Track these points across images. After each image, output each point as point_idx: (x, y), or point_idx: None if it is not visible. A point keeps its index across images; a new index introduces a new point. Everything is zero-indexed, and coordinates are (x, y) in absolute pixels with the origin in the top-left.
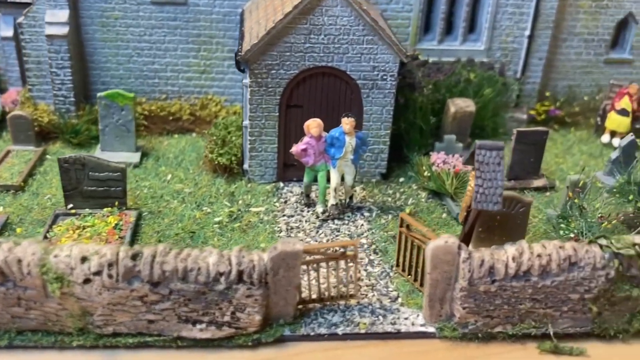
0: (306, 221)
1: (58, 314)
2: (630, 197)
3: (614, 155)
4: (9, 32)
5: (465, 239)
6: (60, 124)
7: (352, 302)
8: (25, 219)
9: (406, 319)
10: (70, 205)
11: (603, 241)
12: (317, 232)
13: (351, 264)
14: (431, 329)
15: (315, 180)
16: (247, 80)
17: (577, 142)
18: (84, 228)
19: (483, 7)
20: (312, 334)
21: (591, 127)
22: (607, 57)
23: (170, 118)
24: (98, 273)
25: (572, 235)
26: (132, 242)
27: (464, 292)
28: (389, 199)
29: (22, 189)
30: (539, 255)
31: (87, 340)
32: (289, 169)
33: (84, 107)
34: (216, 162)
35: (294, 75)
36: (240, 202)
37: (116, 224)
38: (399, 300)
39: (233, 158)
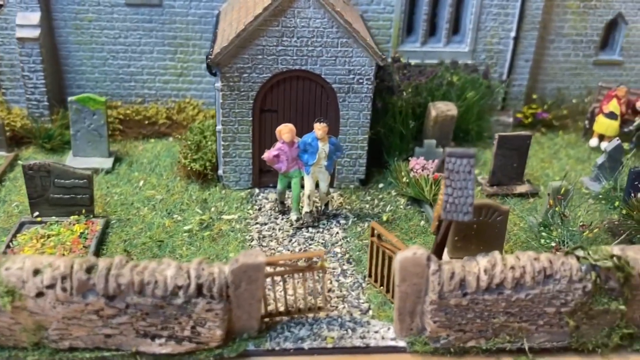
0: (279, 229)
1: (11, 329)
2: (616, 204)
3: (599, 160)
4: None
5: (438, 250)
6: (34, 128)
7: (321, 314)
8: None
9: (376, 332)
10: (36, 213)
11: (580, 252)
12: (290, 240)
13: (318, 276)
14: (402, 343)
15: (289, 186)
16: (218, 84)
17: (564, 146)
18: (48, 237)
19: (467, 8)
20: (277, 348)
21: (580, 131)
22: (596, 59)
23: (146, 122)
24: (51, 286)
25: (553, 244)
26: (97, 252)
27: (434, 306)
28: (367, 206)
29: None
30: (512, 268)
31: (43, 355)
32: (264, 174)
33: (58, 112)
34: (189, 168)
35: (267, 78)
36: (212, 209)
37: (81, 233)
38: (370, 312)
39: (207, 164)
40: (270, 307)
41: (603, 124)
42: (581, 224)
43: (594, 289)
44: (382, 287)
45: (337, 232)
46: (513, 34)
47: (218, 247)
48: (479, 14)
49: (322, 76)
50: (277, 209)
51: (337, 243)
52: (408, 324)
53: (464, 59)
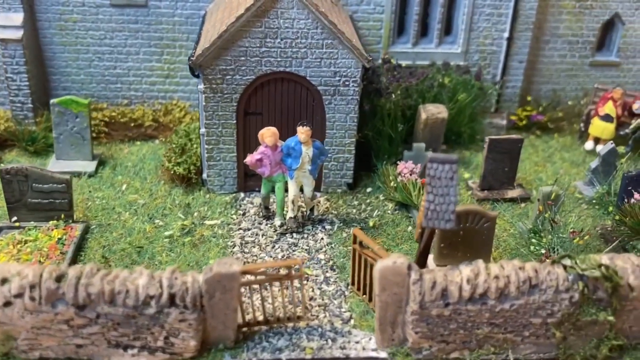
0: (263, 235)
1: None
2: (610, 209)
3: (593, 164)
4: None
5: (421, 258)
6: (17, 131)
7: (301, 324)
8: None
9: (357, 342)
10: (15, 218)
11: (567, 261)
12: (273, 247)
13: (300, 284)
14: (383, 354)
15: (273, 191)
16: (201, 86)
17: (559, 149)
18: (25, 243)
19: (459, 8)
20: (254, 359)
21: (575, 133)
22: (592, 60)
23: (132, 124)
24: (19, 295)
25: (543, 251)
26: (75, 258)
27: (415, 316)
28: (354, 211)
29: None
30: (496, 277)
31: None
32: (250, 178)
33: (42, 114)
34: (173, 172)
35: (250, 81)
36: (195, 214)
37: (59, 239)
38: (352, 322)
39: (192, 167)
40: (249, 316)
41: (598, 127)
42: (571, 230)
43: (581, 299)
44: (364, 296)
45: (322, 238)
46: (506, 34)
47: (198, 253)
48: (471, 14)
49: (307, 78)
50: (261, 214)
51: (321, 249)
52: (389, 334)
53: (457, 60)
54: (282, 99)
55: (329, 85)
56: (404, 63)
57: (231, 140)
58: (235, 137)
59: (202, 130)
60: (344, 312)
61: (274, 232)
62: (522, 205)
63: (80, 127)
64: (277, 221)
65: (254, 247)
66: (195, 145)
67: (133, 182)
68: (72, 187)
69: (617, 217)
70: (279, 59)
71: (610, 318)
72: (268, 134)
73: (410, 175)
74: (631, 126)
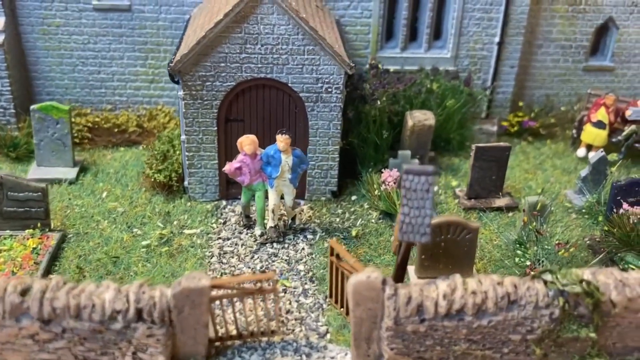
0: (242, 245)
1: None
2: (599, 219)
3: (583, 172)
4: None
5: (399, 271)
6: None
7: (276, 338)
8: None
9: (332, 358)
10: None
11: (548, 276)
12: (253, 257)
13: (276, 297)
14: None
15: (254, 199)
16: (181, 93)
17: (551, 156)
18: None
19: (448, 12)
20: None
21: (568, 140)
22: (586, 65)
23: (116, 130)
24: None
25: (528, 263)
26: (49, 269)
27: (390, 332)
28: (337, 219)
29: None
30: (473, 293)
31: None
32: (232, 186)
33: (24, 119)
34: (153, 180)
35: (231, 87)
36: (175, 223)
37: (34, 248)
38: (328, 336)
39: (173, 174)
40: (222, 330)
41: (591, 134)
42: (557, 242)
43: (562, 315)
44: (342, 309)
45: (303, 248)
46: (497, 39)
47: (175, 264)
48: (461, 19)
49: (289, 85)
50: (242, 222)
51: (301, 260)
52: (365, 350)
53: (446, 65)
54: (264, 106)
55: (311, 92)
56: (392, 68)
57: (212, 147)
58: (217, 144)
59: (183, 137)
60: (321, 326)
61: (254, 241)
62: (510, 214)
63: (61, 134)
64: (258, 230)
65: (232, 257)
66: (177, 152)
67: (114, 189)
68: (48, 195)
69: (605, 228)
70: (260, 65)
71: (592, 335)
72: (247, 142)
73: (394, 183)
74: (624, 133)
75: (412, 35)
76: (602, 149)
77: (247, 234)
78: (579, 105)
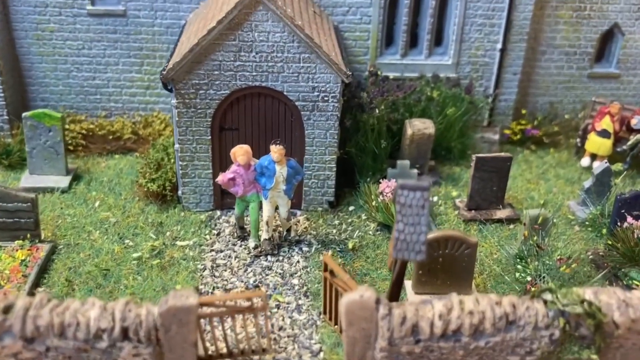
0: (236, 257)
1: None
2: (603, 232)
3: (587, 184)
4: None
5: (394, 288)
6: None
7: (267, 357)
8: None
9: None
10: None
11: (548, 296)
12: (246, 270)
13: (269, 314)
14: None
15: (248, 210)
16: (174, 101)
17: (554, 165)
18: None
19: (449, 19)
20: None
21: (572, 149)
22: (591, 72)
23: (111, 137)
24: None
25: (528, 278)
26: (38, 281)
27: (384, 353)
28: (334, 231)
29: None
30: (470, 313)
31: None
32: (227, 196)
33: (18, 126)
34: (146, 189)
35: (225, 95)
36: (168, 234)
37: (22, 260)
38: (321, 354)
39: (167, 184)
40: (212, 348)
41: (595, 143)
42: (559, 257)
43: (562, 336)
44: (336, 327)
45: (298, 261)
46: (499, 45)
47: (166, 277)
48: (462, 25)
49: (285, 93)
50: (236, 234)
51: (296, 273)
52: None
53: (447, 72)
54: (259, 115)
55: (308, 101)
56: (392, 75)
57: (206, 157)
58: (211, 153)
59: (176, 146)
60: (314, 343)
61: (248, 254)
62: (511, 226)
63: (53, 141)
64: (252, 243)
65: (225, 270)
66: (172, 160)
67: (107, 198)
68: (37, 206)
69: (609, 242)
70: (255, 74)
71: (594, 357)
72: (240, 152)
73: (392, 194)
74: (629, 142)
75: (413, 42)
76: (606, 159)
77: (241, 245)
78: (583, 113)
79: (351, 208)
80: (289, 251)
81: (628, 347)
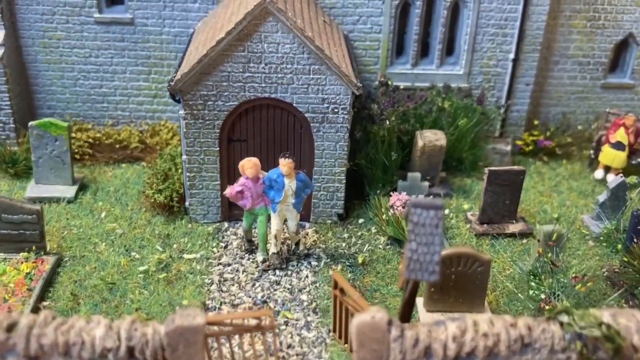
0: (243, 272)
1: None
2: (618, 247)
3: (601, 198)
4: None
5: (406, 309)
6: None
7: None
8: None
9: None
10: None
11: (564, 318)
12: (254, 285)
13: (278, 332)
14: None
15: (256, 223)
16: (182, 112)
17: (567, 177)
18: None
19: (461, 28)
20: None
21: (585, 160)
22: (604, 82)
23: (118, 146)
24: None
25: (542, 296)
26: (43, 295)
27: None
28: (343, 244)
29: None
30: (484, 335)
31: None
32: (235, 207)
33: (24, 134)
34: (153, 200)
35: (233, 107)
36: (175, 246)
37: (28, 273)
38: None
39: (174, 194)
40: None
41: (609, 155)
42: (574, 275)
43: None
44: (346, 345)
45: (307, 276)
46: (512, 55)
47: (173, 291)
48: (474, 34)
49: (294, 105)
50: (243, 247)
51: (304, 289)
52: None
53: (459, 82)
54: (268, 126)
55: (317, 113)
56: (402, 85)
57: (214, 168)
58: (219, 165)
59: (184, 157)
60: None
61: (256, 268)
62: (524, 241)
63: (60, 151)
64: (260, 257)
65: (232, 285)
66: (179, 170)
67: (113, 209)
68: (43, 217)
69: (625, 259)
70: (264, 85)
71: None
72: (249, 165)
73: (403, 208)
74: None
75: (423, 51)
76: (621, 172)
77: (248, 259)
78: (596, 124)
79: (361, 221)
80: (297, 265)
81: None
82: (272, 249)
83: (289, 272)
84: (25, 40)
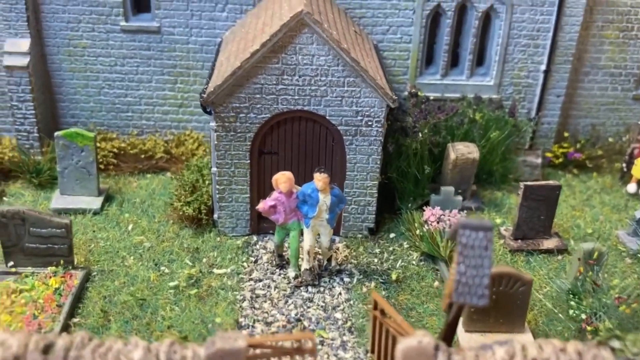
0: (275, 288)
1: None
2: None
3: (638, 213)
4: None
5: (448, 331)
6: (22, 161)
7: None
8: None
9: None
10: (11, 263)
11: (616, 343)
12: (287, 302)
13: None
14: None
15: (287, 238)
16: (213, 124)
17: (598, 190)
18: (20, 292)
19: (492, 39)
20: None
21: (616, 173)
22: (636, 93)
23: (143, 156)
24: None
25: (583, 316)
26: (72, 311)
27: None
28: (375, 260)
29: None
30: None
31: None
32: (264, 220)
33: (48, 144)
34: (181, 212)
35: (265, 119)
36: (204, 260)
37: (57, 288)
38: None
39: (202, 206)
40: None
41: None
42: (617, 296)
43: None
44: None
45: (340, 293)
46: (543, 67)
47: (205, 308)
48: (505, 45)
49: (327, 117)
50: (274, 262)
51: (338, 307)
52: None
53: (489, 93)
54: (299, 139)
55: (350, 125)
56: (432, 96)
57: (244, 181)
58: (249, 177)
59: (214, 169)
60: None
61: (288, 284)
62: (559, 257)
63: (86, 162)
64: (291, 272)
65: (265, 302)
66: (207, 182)
67: (140, 221)
68: (72, 231)
69: None
70: (297, 97)
71: None
72: (283, 179)
73: (438, 223)
74: None
75: (453, 61)
76: None
77: (279, 274)
78: (628, 137)
79: (392, 235)
80: (329, 282)
81: None
82: (305, 265)
83: (322, 289)
84: (50, 49)
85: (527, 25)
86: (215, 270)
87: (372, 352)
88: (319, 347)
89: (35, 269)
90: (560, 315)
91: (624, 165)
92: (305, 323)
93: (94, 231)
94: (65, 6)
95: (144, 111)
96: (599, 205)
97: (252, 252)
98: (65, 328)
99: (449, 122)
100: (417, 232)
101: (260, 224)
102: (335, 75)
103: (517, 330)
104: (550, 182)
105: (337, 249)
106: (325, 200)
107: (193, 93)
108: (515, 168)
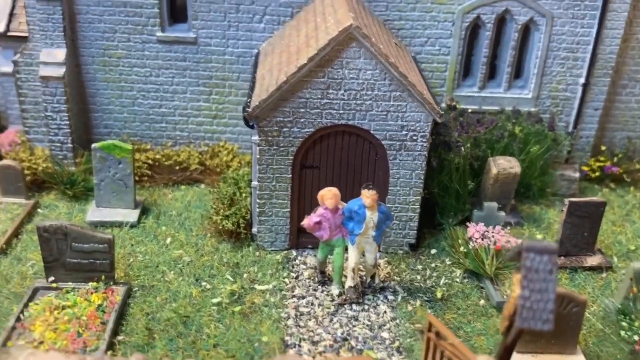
0: (319, 305)
1: None
2: None
3: None
4: (9, 68)
5: (505, 354)
6: (56, 172)
7: None
8: (1, 292)
9: None
10: (52, 278)
11: None
12: (331, 320)
13: None
14: None
15: (331, 255)
16: (256, 138)
17: (637, 205)
18: (62, 308)
19: (531, 51)
20: None
21: None
22: None
23: (177, 167)
24: None
25: (636, 337)
26: (116, 329)
27: None
28: (418, 277)
29: (4, 251)
30: None
31: None
32: (303, 234)
33: (82, 154)
34: (221, 226)
35: (309, 133)
36: (245, 276)
37: (99, 305)
38: None
39: (241, 220)
40: None
41: None
42: None
43: None
44: None
45: (385, 311)
46: (582, 80)
47: (250, 326)
48: (544, 58)
49: (372, 132)
50: (316, 278)
51: (384, 325)
52: None
53: (527, 106)
54: (342, 153)
55: (395, 140)
56: (470, 108)
57: (285, 195)
58: (290, 192)
59: (255, 183)
60: None
61: (331, 301)
62: (603, 275)
63: (123, 174)
64: (335, 290)
65: (309, 319)
66: (245, 195)
67: (178, 234)
68: (114, 247)
69: None
70: (342, 111)
71: None
72: (329, 195)
73: (482, 240)
74: None
75: (490, 74)
76: None
77: (322, 291)
78: None
79: (433, 251)
80: (373, 299)
81: None
82: (349, 282)
83: (366, 307)
84: (85, 59)
85: (567, 37)
86: (257, 286)
87: None
88: None
89: (75, 284)
90: (612, 336)
91: None
92: (352, 343)
93: (132, 245)
94: (102, 16)
95: (177, 122)
96: (639, 220)
97: (293, 267)
98: (111, 346)
99: (489, 135)
100: (461, 248)
101: (299, 239)
102: (382, 90)
103: (569, 352)
104: (595, 198)
105: (379, 265)
106: (372, 217)
107: (228, 104)
108: (553, 182)
